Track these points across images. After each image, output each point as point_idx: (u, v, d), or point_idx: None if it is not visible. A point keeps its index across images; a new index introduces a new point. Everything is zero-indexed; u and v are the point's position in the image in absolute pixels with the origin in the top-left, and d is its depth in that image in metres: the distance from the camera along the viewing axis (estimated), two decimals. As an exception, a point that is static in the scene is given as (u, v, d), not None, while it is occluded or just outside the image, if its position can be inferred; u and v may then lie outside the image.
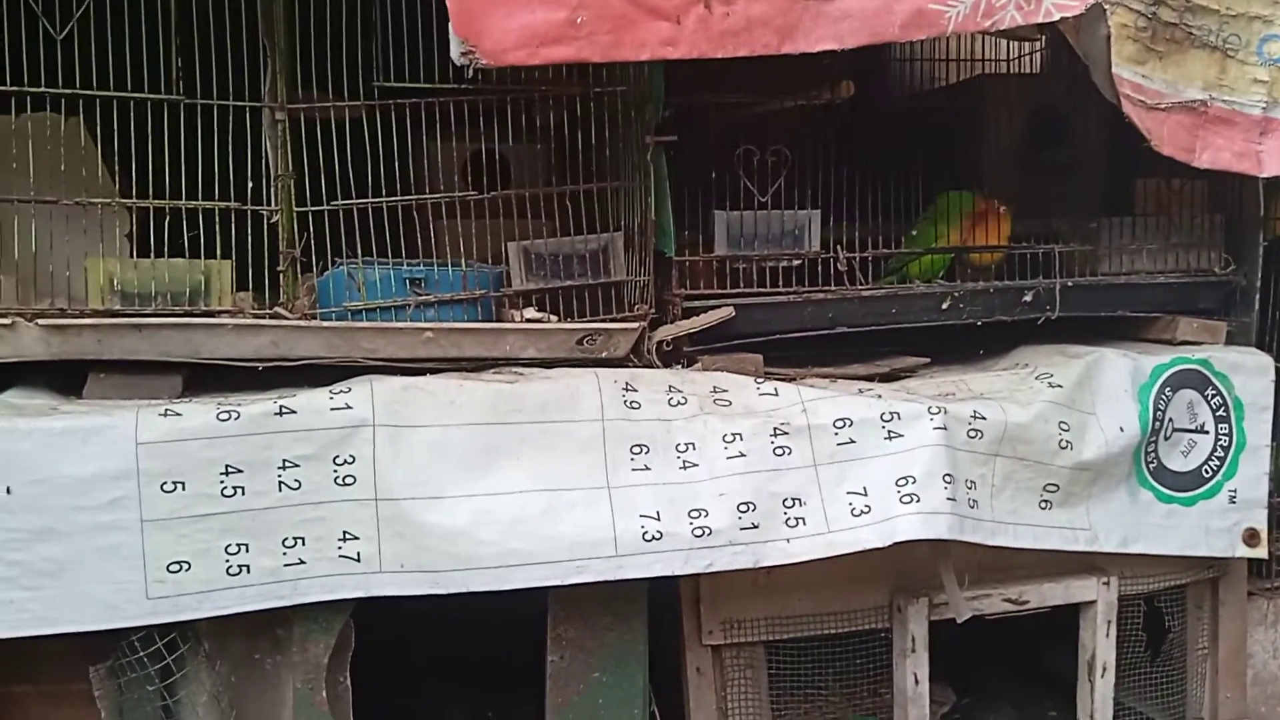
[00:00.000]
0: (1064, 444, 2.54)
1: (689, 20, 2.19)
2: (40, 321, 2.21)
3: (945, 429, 2.38)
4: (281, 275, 2.40)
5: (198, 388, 2.39)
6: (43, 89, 2.23)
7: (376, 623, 2.37)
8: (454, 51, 2.08)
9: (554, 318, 2.53)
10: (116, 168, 2.40)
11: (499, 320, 2.53)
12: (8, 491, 2.07)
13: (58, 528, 2.09)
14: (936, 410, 2.40)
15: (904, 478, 2.36)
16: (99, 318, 2.25)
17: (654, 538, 2.30)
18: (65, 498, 2.09)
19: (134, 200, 2.30)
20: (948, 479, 2.35)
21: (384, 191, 2.44)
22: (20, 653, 2.22)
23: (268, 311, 2.35)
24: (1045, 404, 2.54)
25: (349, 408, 2.24)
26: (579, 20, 2.14)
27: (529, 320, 2.50)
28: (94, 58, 2.25)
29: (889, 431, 2.39)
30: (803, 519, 2.37)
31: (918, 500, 2.34)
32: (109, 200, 2.30)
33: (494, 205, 2.57)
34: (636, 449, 2.37)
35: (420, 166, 2.66)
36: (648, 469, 2.36)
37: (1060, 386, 2.59)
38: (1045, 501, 2.54)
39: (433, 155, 2.69)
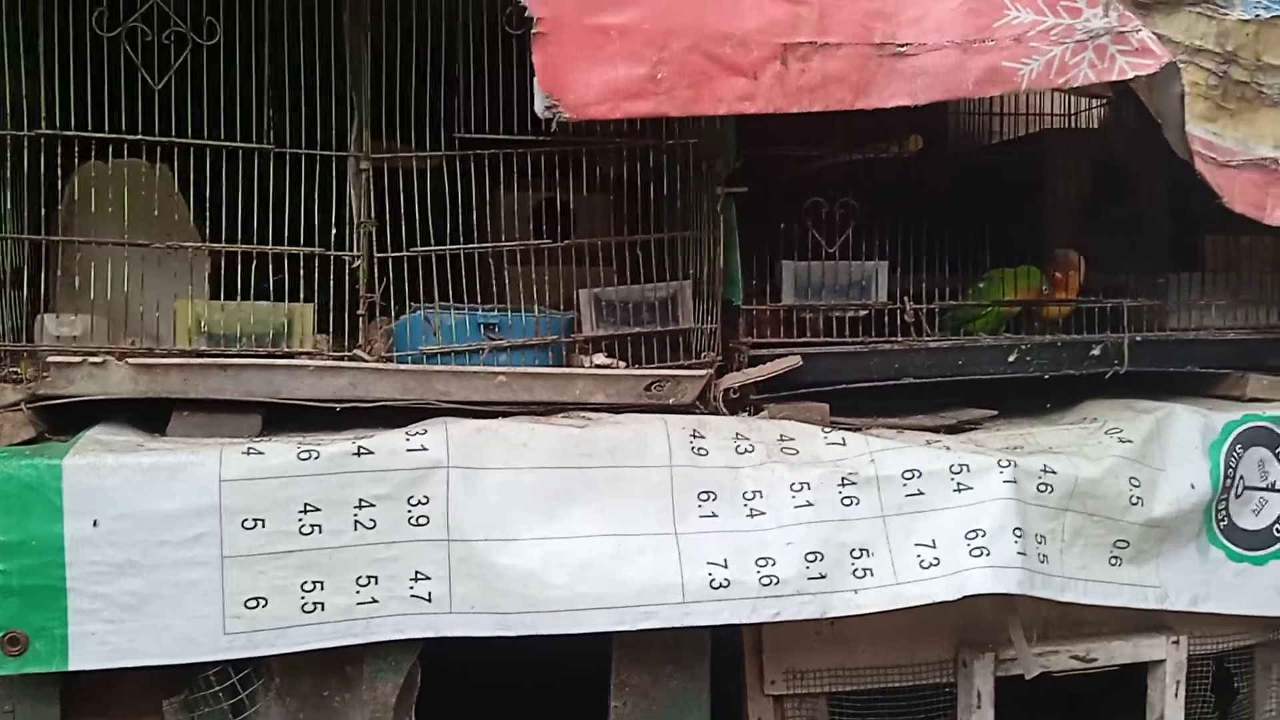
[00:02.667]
0: (1135, 500, 2.52)
1: (765, 76, 2.24)
2: (130, 360, 2.28)
3: (1015, 482, 2.38)
4: (360, 319, 2.45)
5: (275, 427, 2.44)
6: (140, 137, 2.32)
7: (438, 660, 2.40)
8: (538, 105, 2.14)
9: (622, 364, 2.57)
10: (207, 213, 2.48)
11: (569, 365, 2.57)
12: (94, 524, 2.12)
13: (140, 562, 2.14)
14: (1006, 463, 2.39)
15: (974, 530, 2.35)
16: (186, 357, 2.32)
17: (721, 585, 2.31)
18: (149, 533, 2.14)
19: (224, 244, 2.37)
20: (1018, 533, 2.34)
21: (460, 239, 2.51)
22: (94, 685, 2.27)
23: (347, 354, 2.41)
24: (1116, 459, 2.52)
25: (424, 449, 2.28)
26: (659, 76, 2.19)
27: (598, 366, 2.54)
28: (188, 107, 2.35)
29: (958, 484, 2.39)
30: (870, 570, 2.36)
31: (988, 554, 2.33)
32: (200, 244, 2.38)
33: (561, 253, 2.63)
34: (704, 495, 2.38)
35: (489, 215, 2.72)
36: (715, 516, 2.37)
37: (1130, 442, 2.57)
38: (1115, 558, 2.52)
39: (503, 204, 2.76)
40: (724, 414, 2.57)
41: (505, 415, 2.44)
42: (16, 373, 2.31)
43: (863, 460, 2.43)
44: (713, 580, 2.31)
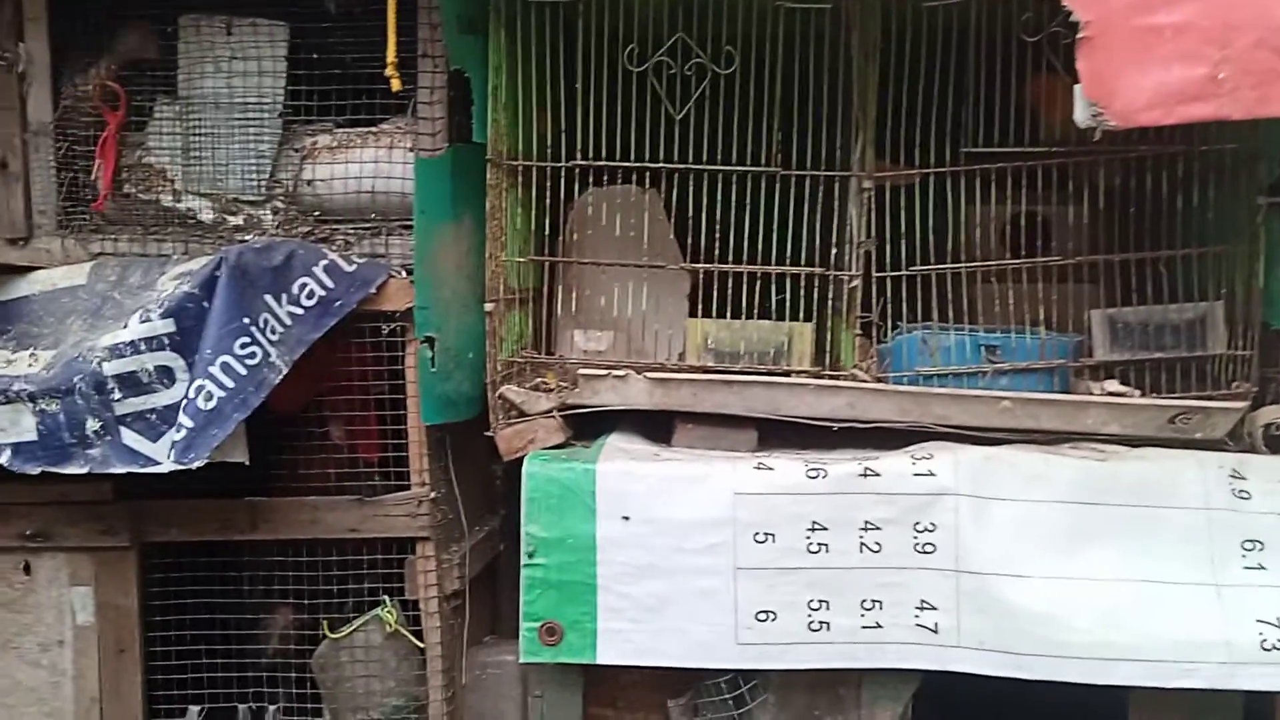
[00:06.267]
0: None
1: (1352, 70, 1.96)
2: (648, 374, 2.41)
3: None
4: (856, 339, 2.44)
5: (764, 442, 2.48)
6: (663, 164, 2.44)
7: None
8: (1080, 113, 2.01)
9: (1137, 392, 2.35)
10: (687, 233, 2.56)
11: (1073, 391, 2.40)
12: (625, 520, 2.26)
13: (661, 565, 2.25)
14: None
15: None
16: (695, 373, 2.42)
17: (1275, 647, 2.04)
18: (669, 538, 2.25)
19: (731, 265, 2.45)
20: None
21: (935, 256, 2.42)
22: (603, 678, 2.42)
23: (846, 373, 2.40)
24: None
25: (932, 474, 2.22)
26: (1220, 76, 1.98)
27: (1111, 394, 2.34)
28: (690, 134, 2.44)
29: None
30: None
31: None
32: (710, 265, 2.47)
33: (1040, 270, 2.46)
34: (1249, 545, 2.13)
35: (959, 231, 2.61)
36: (1263, 568, 2.12)
37: None
38: None
39: (972, 219, 2.64)
40: (1263, 452, 2.27)
41: (1000, 442, 2.33)
42: (546, 383, 2.52)
43: None
44: (1264, 641, 2.05)
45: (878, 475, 2.22)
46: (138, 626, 2.53)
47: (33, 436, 2.31)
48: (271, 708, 2.56)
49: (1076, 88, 2.01)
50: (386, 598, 2.54)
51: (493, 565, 2.93)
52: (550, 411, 2.44)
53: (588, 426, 2.53)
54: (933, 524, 2.20)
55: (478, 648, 2.71)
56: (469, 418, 2.57)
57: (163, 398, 2.29)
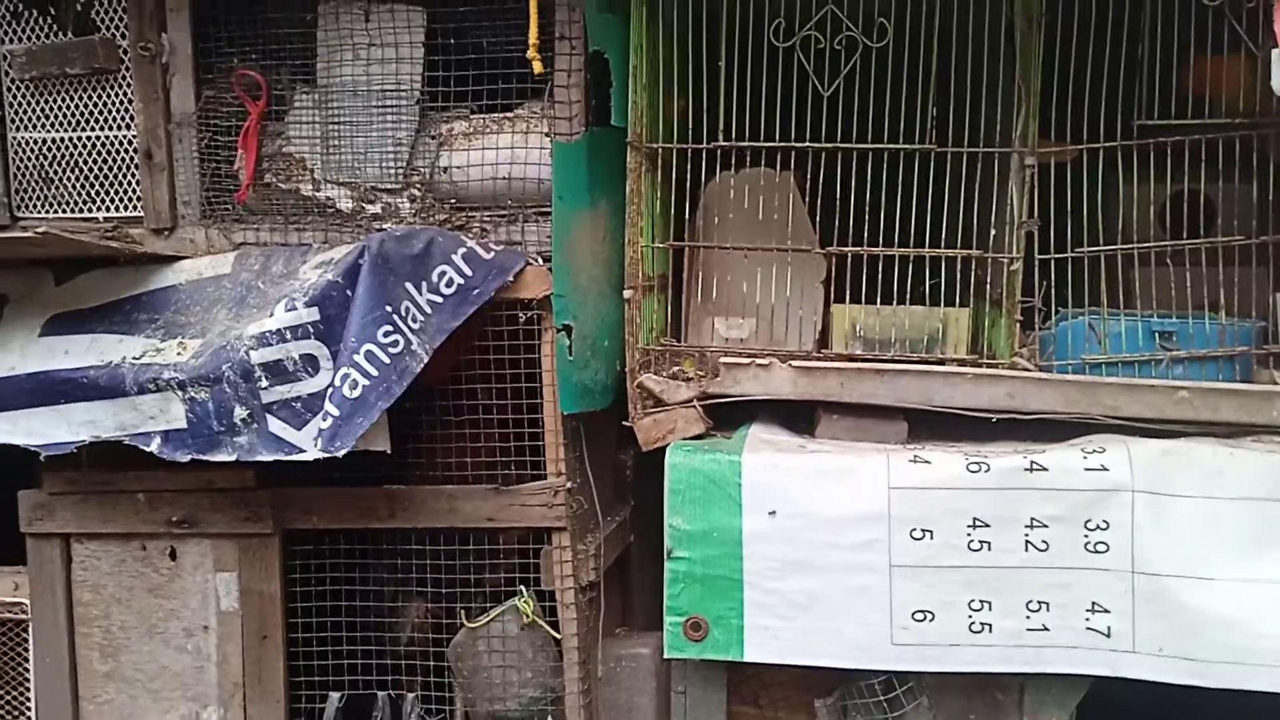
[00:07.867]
0: None
1: None
2: (792, 363, 2.32)
3: None
4: (1014, 325, 2.31)
5: (913, 434, 2.37)
6: (808, 144, 2.35)
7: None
8: (1278, 78, 1.85)
9: (1329, 382, 2.18)
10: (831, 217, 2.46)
11: (1253, 381, 2.23)
12: (771, 514, 2.18)
13: (812, 561, 2.17)
14: None
15: None
16: (843, 361, 2.33)
17: None
18: (820, 534, 2.17)
19: (881, 248, 2.34)
20: None
21: (1090, 239, 2.28)
22: (749, 676, 2.35)
23: (1005, 362, 2.28)
24: None
25: (1104, 469, 2.09)
26: None
27: (1300, 384, 2.17)
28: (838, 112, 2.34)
29: None
30: None
31: None
32: (861, 249, 2.36)
33: (1194, 253, 2.31)
34: None
35: (1129, 210, 2.44)
36: None
37: None
38: None
39: (1134, 198, 2.47)
40: None
41: (1172, 435, 2.18)
42: (684, 372, 2.45)
43: None
44: None
45: (1045, 470, 2.10)
46: (280, 612, 2.55)
47: (182, 424, 2.34)
48: (410, 696, 2.56)
49: (1275, 51, 1.85)
50: (523, 588, 2.50)
51: (624, 556, 2.89)
52: (690, 401, 2.37)
53: (724, 417, 2.46)
54: (1105, 521, 2.07)
55: (612, 639, 2.67)
56: (604, 406, 2.52)
57: (307, 386, 2.29)
